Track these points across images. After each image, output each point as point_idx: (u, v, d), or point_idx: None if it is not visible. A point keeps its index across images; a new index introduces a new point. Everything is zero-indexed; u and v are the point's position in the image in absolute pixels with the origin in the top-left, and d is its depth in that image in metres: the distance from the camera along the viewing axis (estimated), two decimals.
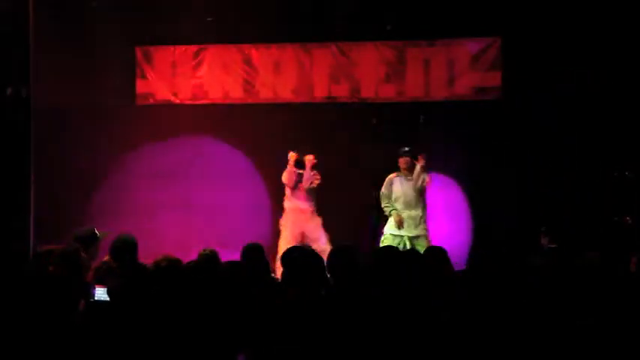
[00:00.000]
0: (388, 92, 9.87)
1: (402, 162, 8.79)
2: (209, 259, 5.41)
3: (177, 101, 10.18)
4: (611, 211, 8.81)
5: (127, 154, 10.04)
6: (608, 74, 8.82)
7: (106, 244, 6.46)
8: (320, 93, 9.96)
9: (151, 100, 10.19)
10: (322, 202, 9.42)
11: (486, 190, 9.52)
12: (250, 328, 4.13)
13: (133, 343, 3.95)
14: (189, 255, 5.58)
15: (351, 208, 9.33)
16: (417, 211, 8.74)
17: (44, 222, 9.39)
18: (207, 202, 10.01)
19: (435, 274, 4.90)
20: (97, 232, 7.33)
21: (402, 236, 8.68)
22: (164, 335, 4.00)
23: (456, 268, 5.28)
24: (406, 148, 8.79)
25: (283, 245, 8.61)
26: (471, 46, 9.65)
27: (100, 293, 5.05)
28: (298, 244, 8.16)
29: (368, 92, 9.89)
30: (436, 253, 5.37)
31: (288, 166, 9.06)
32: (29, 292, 4.31)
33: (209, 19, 9.71)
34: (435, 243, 8.16)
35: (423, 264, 4.93)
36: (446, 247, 5.51)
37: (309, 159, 9.05)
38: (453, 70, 9.72)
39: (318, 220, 9.05)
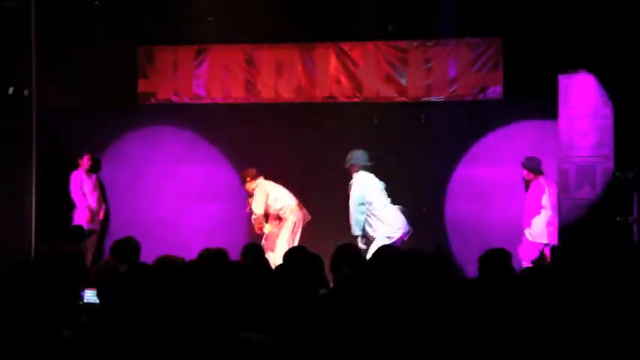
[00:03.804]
0: (389, 92, 9.88)
1: None
2: (212, 258, 5.44)
3: (179, 101, 10.19)
4: (611, 211, 8.79)
5: (128, 154, 10.05)
6: (609, 74, 8.81)
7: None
8: (321, 93, 9.97)
9: (153, 100, 10.21)
10: (322, 202, 9.45)
11: (487, 190, 9.55)
12: (251, 326, 4.14)
13: (132, 343, 3.95)
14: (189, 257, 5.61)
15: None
16: None
17: (45, 222, 9.42)
18: (207, 201, 10.05)
19: (437, 275, 4.91)
20: (85, 229, 7.37)
21: None
22: (163, 334, 4.00)
23: None
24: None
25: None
26: (471, 46, 9.67)
27: (90, 296, 5.03)
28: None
29: (369, 92, 9.90)
30: (440, 253, 5.38)
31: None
32: (30, 292, 4.31)
33: (210, 18, 9.71)
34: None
35: (425, 264, 4.93)
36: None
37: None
38: (454, 70, 9.73)
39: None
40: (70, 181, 9.86)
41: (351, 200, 8.68)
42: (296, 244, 9.00)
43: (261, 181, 9.38)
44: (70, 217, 9.73)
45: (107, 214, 10.08)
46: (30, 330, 4.04)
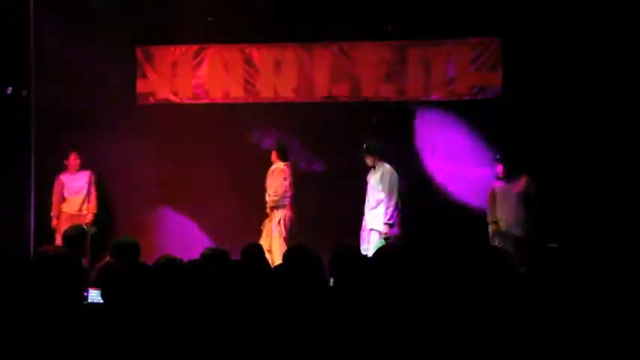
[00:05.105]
0: (388, 92, 9.89)
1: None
2: (214, 258, 5.44)
3: (178, 101, 10.19)
4: (611, 211, 8.82)
5: (128, 154, 10.06)
6: (609, 74, 8.83)
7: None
8: (320, 92, 9.97)
9: (152, 100, 10.21)
10: (322, 202, 9.45)
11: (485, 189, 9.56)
12: (251, 325, 4.14)
13: (131, 344, 3.95)
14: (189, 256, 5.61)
15: (351, 208, 9.33)
16: None
17: (44, 222, 9.43)
18: (207, 199, 10.07)
19: (437, 274, 4.91)
20: (85, 228, 7.37)
21: None
22: (164, 335, 4.01)
23: None
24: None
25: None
26: (470, 46, 9.68)
27: (94, 296, 5.01)
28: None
29: (368, 92, 9.90)
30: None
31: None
32: (30, 292, 4.31)
33: (209, 18, 9.71)
34: None
35: (425, 264, 4.93)
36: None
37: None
38: (453, 69, 9.74)
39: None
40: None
41: (388, 186, 8.73)
42: (280, 242, 8.99)
43: (279, 165, 9.27)
44: None
45: (101, 216, 9.92)
46: (30, 330, 4.04)
